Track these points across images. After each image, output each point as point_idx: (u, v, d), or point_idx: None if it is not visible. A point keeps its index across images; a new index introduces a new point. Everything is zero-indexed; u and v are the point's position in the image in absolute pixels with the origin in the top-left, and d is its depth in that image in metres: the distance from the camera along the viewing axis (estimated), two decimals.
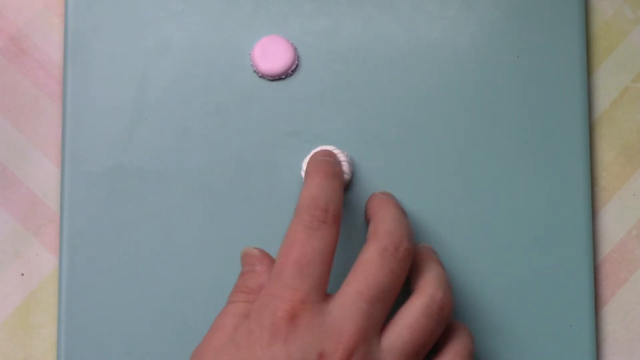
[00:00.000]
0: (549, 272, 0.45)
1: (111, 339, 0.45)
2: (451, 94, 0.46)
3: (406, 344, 0.39)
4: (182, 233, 0.45)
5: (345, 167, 0.44)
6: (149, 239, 0.45)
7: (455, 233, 0.46)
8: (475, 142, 0.46)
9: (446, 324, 0.40)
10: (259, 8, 0.47)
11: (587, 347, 0.45)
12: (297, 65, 0.46)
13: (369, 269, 0.39)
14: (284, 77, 0.46)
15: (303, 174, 0.44)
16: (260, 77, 0.46)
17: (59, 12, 0.48)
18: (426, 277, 0.40)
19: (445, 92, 0.46)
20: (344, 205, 0.44)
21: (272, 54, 0.46)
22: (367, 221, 0.43)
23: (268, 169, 0.46)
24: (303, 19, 0.47)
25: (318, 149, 0.44)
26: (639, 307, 0.47)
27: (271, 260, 0.42)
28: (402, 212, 0.42)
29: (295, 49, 0.46)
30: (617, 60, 0.48)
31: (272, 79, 0.46)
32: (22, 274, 0.46)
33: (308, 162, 0.43)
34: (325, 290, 0.39)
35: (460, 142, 0.46)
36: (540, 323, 0.45)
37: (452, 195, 0.46)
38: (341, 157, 0.44)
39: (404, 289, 0.40)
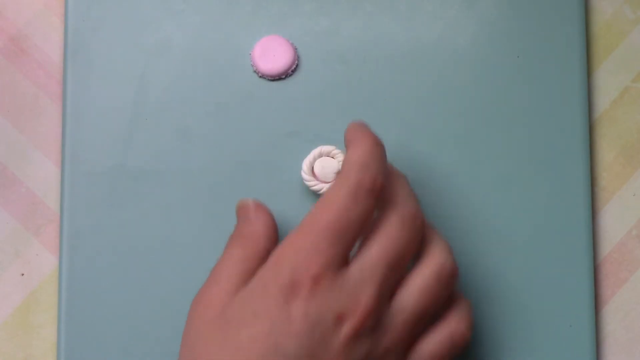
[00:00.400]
0: (549, 272, 0.45)
1: (111, 339, 0.45)
2: (451, 94, 0.46)
3: (416, 307, 0.39)
4: (182, 233, 0.45)
5: None
6: (149, 239, 0.45)
7: (455, 233, 0.45)
8: (475, 142, 0.46)
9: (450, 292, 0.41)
10: (259, 8, 0.47)
11: (587, 347, 0.45)
12: (297, 65, 0.46)
13: (389, 236, 0.39)
14: (284, 77, 0.46)
15: (303, 174, 0.44)
16: (260, 77, 0.46)
17: (59, 12, 0.48)
18: (435, 245, 0.41)
19: (445, 92, 0.46)
20: None
21: (272, 54, 0.46)
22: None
23: (268, 169, 0.46)
24: (303, 19, 0.47)
25: (318, 148, 0.44)
26: (639, 307, 0.47)
27: (265, 211, 0.42)
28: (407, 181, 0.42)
29: (295, 49, 0.46)
30: (617, 60, 0.48)
31: (272, 79, 0.46)
32: (22, 274, 0.46)
33: (349, 129, 0.41)
34: (349, 255, 0.39)
35: (460, 142, 0.46)
36: (540, 323, 0.45)
37: (452, 195, 0.46)
38: (341, 157, 0.44)
39: None
